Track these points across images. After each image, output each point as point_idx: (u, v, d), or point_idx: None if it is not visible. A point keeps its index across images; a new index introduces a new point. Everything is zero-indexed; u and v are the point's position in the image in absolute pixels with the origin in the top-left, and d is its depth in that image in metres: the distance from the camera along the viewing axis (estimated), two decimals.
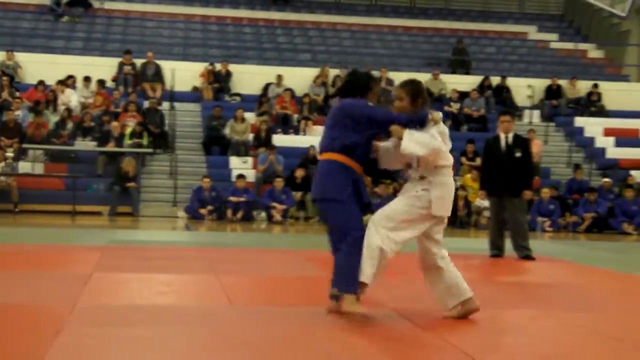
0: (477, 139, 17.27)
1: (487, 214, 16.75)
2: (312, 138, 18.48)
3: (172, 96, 18.85)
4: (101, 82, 19.16)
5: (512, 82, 21.36)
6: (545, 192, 16.64)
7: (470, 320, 5.51)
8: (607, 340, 5.14)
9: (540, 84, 21.53)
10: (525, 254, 9.57)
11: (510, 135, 9.74)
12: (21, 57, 20.14)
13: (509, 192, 9.60)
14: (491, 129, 18.89)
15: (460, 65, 22.69)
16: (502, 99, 20.96)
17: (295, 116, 19.42)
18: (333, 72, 20.75)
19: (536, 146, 18.68)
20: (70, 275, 7.19)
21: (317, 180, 5.51)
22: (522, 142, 9.84)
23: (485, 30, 26.00)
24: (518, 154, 9.62)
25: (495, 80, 21.36)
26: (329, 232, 5.54)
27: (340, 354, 4.53)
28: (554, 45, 25.18)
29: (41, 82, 18.76)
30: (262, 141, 17.94)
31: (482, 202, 15.57)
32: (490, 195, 9.93)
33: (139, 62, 20.21)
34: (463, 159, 17.69)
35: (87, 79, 19.22)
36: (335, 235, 5.44)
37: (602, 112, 21.27)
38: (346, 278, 5.32)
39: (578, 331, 5.41)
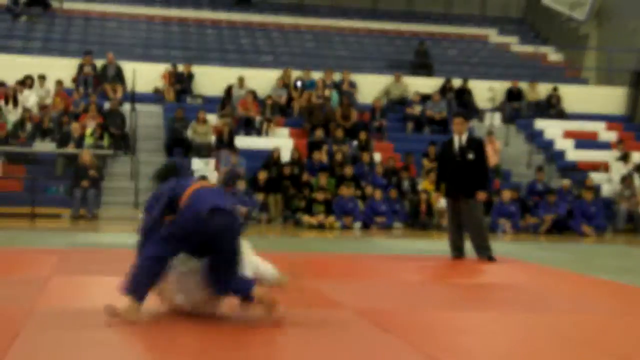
0: (438, 142, 17.37)
1: None
2: (274, 140, 18.52)
3: (133, 97, 18.73)
4: (60, 83, 18.98)
5: (474, 84, 21.54)
6: (506, 194, 16.81)
7: (429, 322, 5.57)
8: (563, 340, 5.23)
9: (501, 87, 21.74)
10: (487, 255, 9.68)
11: (464, 137, 9.86)
12: None
13: (463, 193, 9.72)
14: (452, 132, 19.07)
15: (422, 68, 22.84)
16: (464, 102, 21.14)
17: (258, 118, 19.41)
18: (295, 74, 20.77)
19: (495, 148, 18.92)
20: (28, 278, 7.13)
21: None
22: (475, 144, 9.93)
23: (446, 33, 26.24)
24: (471, 156, 9.73)
25: (456, 82, 21.53)
26: None
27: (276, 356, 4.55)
28: (514, 48, 25.47)
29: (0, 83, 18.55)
30: (225, 143, 17.90)
31: (444, 204, 15.68)
32: (446, 197, 10.05)
33: (99, 63, 20.06)
34: (425, 161, 17.82)
35: (42, 78, 19.01)
36: None
37: (561, 115, 21.54)
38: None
39: (536, 332, 5.50)
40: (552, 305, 6.74)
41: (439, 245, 11.07)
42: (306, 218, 15.99)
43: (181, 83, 20.35)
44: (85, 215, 15.81)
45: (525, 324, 5.72)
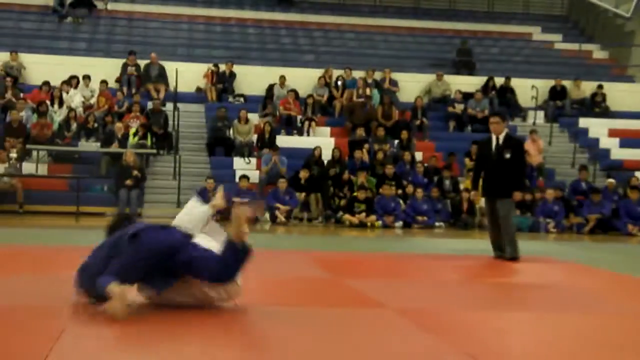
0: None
1: None
2: (315, 139, 18.54)
3: (176, 97, 18.89)
4: (104, 83, 19.22)
5: (516, 82, 21.35)
6: (550, 193, 16.64)
7: (469, 322, 5.54)
8: (604, 344, 5.17)
9: (544, 85, 21.52)
10: (509, 254, 9.57)
11: (502, 137, 9.77)
12: (25, 58, 20.21)
13: (499, 193, 9.64)
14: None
15: (464, 66, 22.70)
16: (506, 100, 20.97)
17: (299, 117, 19.47)
18: (337, 73, 20.79)
19: (538, 147, 18.73)
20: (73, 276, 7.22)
21: None
22: (513, 144, 9.81)
23: (489, 31, 26.01)
24: (507, 156, 9.62)
25: (499, 81, 21.36)
26: None
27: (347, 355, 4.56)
28: (558, 46, 25.18)
29: (46, 83, 18.83)
30: (266, 142, 17.99)
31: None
32: (483, 196, 9.99)
33: (142, 63, 20.27)
34: (467, 161, 17.71)
35: (87, 78, 19.26)
36: None
37: (606, 113, 21.26)
38: None
39: (578, 334, 5.44)
40: (597, 306, 6.66)
41: (481, 244, 11.00)
42: (347, 217, 16.00)
43: (223, 82, 20.49)
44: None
45: (567, 325, 5.65)
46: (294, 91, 19.71)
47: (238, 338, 4.93)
